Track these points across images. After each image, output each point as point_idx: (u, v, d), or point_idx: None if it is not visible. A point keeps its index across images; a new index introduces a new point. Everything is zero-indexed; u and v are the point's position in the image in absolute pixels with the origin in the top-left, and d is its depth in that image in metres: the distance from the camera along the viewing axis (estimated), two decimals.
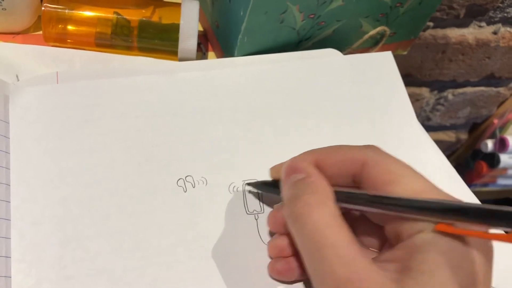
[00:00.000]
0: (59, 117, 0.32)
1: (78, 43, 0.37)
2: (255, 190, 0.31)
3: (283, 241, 0.27)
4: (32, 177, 0.30)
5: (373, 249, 0.27)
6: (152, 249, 0.29)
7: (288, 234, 0.27)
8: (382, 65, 0.39)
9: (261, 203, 0.31)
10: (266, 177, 0.30)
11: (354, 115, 0.36)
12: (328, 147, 0.27)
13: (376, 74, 0.38)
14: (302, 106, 0.36)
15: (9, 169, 0.30)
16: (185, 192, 0.31)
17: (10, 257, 0.28)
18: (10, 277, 0.27)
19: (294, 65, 0.37)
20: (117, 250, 0.28)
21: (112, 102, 0.33)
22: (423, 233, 0.22)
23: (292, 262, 0.27)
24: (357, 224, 0.27)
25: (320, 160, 0.26)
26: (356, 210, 0.27)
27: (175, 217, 0.30)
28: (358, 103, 0.37)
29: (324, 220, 0.22)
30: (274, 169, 0.29)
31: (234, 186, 0.31)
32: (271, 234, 0.29)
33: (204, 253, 0.29)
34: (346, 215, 0.24)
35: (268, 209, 0.31)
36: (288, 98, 0.36)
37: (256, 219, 0.30)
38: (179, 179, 0.31)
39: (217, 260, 0.29)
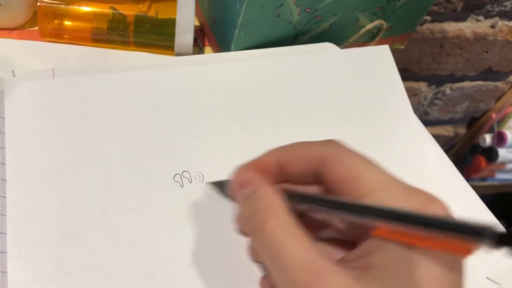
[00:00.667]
0: (55, 113, 0.32)
1: (74, 38, 0.37)
2: (218, 190, 0.30)
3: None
4: (28, 173, 0.30)
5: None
6: (149, 244, 0.29)
7: None
8: (379, 59, 0.39)
9: None
10: None
11: (351, 110, 0.36)
12: (291, 144, 0.27)
13: (373, 68, 0.38)
14: (299, 101, 0.36)
15: (5, 164, 0.30)
16: (182, 187, 0.31)
17: (6, 253, 0.28)
18: (6, 272, 0.27)
19: (290, 59, 0.37)
20: (114, 245, 0.28)
21: (108, 97, 0.33)
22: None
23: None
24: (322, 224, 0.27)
25: (282, 157, 0.26)
26: (312, 211, 0.26)
27: (172, 212, 0.30)
28: (355, 97, 0.37)
29: (279, 231, 0.22)
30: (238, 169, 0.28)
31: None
32: None
33: (201, 248, 0.29)
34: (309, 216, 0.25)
35: None
36: (285, 93, 0.36)
37: None
38: (176, 174, 0.31)
39: (215, 254, 0.29)
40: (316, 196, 0.25)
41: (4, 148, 0.31)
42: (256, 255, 0.28)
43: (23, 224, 0.28)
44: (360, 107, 0.36)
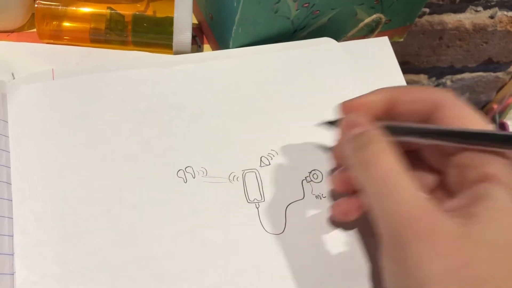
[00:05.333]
0: (56, 114, 0.32)
1: (73, 39, 0.37)
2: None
3: (347, 176, 0.29)
4: (32, 174, 0.30)
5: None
6: (153, 241, 0.29)
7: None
8: (379, 51, 0.39)
9: (262, 192, 0.31)
10: (265, 168, 0.31)
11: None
12: (398, 87, 0.28)
13: (372, 60, 0.38)
14: (299, 95, 0.36)
15: (10, 167, 0.30)
16: (185, 182, 0.31)
17: (13, 254, 0.28)
18: (13, 273, 0.28)
19: (289, 54, 0.37)
20: (118, 242, 0.29)
21: (108, 96, 0.33)
22: (489, 183, 0.22)
23: (354, 202, 0.28)
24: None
25: (393, 97, 0.27)
26: (427, 143, 0.27)
27: (176, 208, 0.30)
28: (356, 90, 0.36)
29: (391, 166, 0.23)
30: (344, 106, 0.29)
31: (234, 176, 0.32)
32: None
33: (205, 243, 0.29)
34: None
35: (268, 198, 0.31)
36: (285, 88, 0.36)
37: (257, 208, 0.31)
38: (179, 170, 0.31)
39: (219, 249, 0.29)
40: (427, 127, 0.25)
41: (8, 152, 0.31)
42: (349, 185, 0.29)
43: (29, 225, 0.28)
44: None
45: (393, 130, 0.26)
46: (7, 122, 0.32)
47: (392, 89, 0.28)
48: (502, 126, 0.91)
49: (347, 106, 0.28)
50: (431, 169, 0.28)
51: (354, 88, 0.36)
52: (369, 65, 0.38)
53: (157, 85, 0.34)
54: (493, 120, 0.94)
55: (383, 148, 0.24)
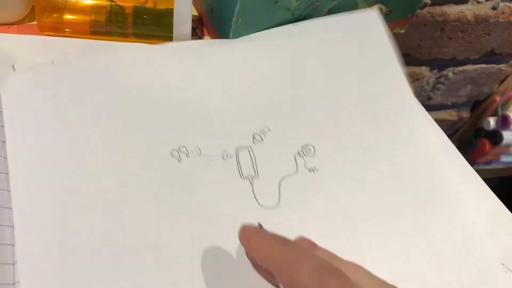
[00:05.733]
0: (51, 99, 0.32)
1: (73, 31, 0.37)
2: None
3: None
4: (30, 157, 0.30)
5: None
6: (150, 217, 0.29)
7: None
8: (368, 23, 0.39)
9: (255, 168, 0.32)
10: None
11: (343, 77, 0.37)
12: None
13: (362, 33, 0.38)
14: (291, 73, 0.36)
15: (6, 157, 0.30)
16: (180, 162, 0.31)
17: (14, 245, 0.28)
18: (15, 263, 0.28)
19: (282, 30, 0.38)
20: (116, 220, 0.29)
21: (102, 79, 0.33)
22: None
23: None
24: None
25: None
26: None
27: (172, 185, 0.31)
28: (347, 63, 0.37)
29: None
30: None
31: (227, 154, 0.32)
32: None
33: (202, 218, 0.30)
34: None
35: (262, 173, 0.32)
36: (278, 66, 0.36)
37: (251, 183, 0.31)
38: (173, 149, 0.32)
39: (216, 223, 0.30)
40: None
41: (4, 141, 0.31)
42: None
43: (28, 206, 0.29)
44: (352, 75, 0.37)
45: None
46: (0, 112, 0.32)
47: None
48: (505, 118, 0.91)
49: None
50: None
51: (345, 61, 0.37)
52: (358, 38, 0.38)
53: (151, 66, 0.34)
54: (495, 112, 0.93)
55: None
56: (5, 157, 0.30)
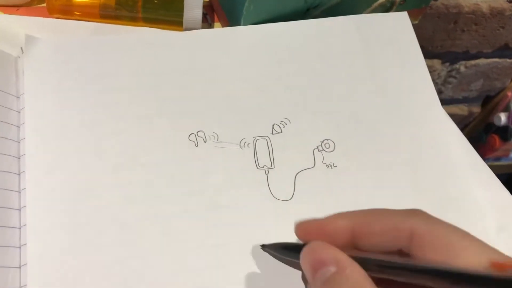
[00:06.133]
0: (72, 71, 0.32)
1: (82, 14, 0.37)
2: (274, 254, 0.26)
3: None
4: (45, 128, 0.30)
5: None
6: (163, 199, 0.29)
7: None
8: (397, 26, 0.38)
9: (272, 159, 0.32)
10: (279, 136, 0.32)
11: (364, 77, 0.36)
12: (366, 211, 0.23)
13: (390, 35, 0.38)
14: (312, 65, 0.36)
15: (19, 142, 0.30)
16: (197, 146, 0.31)
17: (20, 228, 0.28)
18: (20, 247, 0.28)
19: (306, 24, 0.37)
20: (128, 199, 0.29)
21: (123, 58, 0.33)
22: None
23: None
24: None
25: (360, 226, 0.23)
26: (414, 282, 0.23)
27: (187, 169, 0.31)
28: (370, 64, 0.36)
29: None
30: (301, 229, 0.24)
31: (245, 142, 0.32)
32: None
33: (214, 204, 0.30)
34: None
35: (278, 165, 0.31)
36: (299, 58, 0.36)
37: (266, 174, 0.31)
38: (191, 134, 0.32)
39: (227, 211, 0.30)
40: (402, 264, 0.21)
41: (19, 127, 0.31)
42: None
43: (41, 177, 0.29)
44: (379, 75, 0.36)
45: (369, 264, 0.21)
46: (19, 98, 0.32)
47: (357, 216, 0.23)
48: None
49: (305, 230, 0.24)
50: None
51: (368, 62, 0.36)
52: (386, 40, 0.37)
53: (173, 49, 0.34)
54: (506, 108, 0.92)
55: None
56: (18, 142, 0.30)
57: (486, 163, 0.36)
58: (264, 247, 0.25)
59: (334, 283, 0.20)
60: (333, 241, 0.22)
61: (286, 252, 0.24)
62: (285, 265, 0.25)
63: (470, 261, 0.20)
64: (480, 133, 0.99)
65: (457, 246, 0.20)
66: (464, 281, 0.19)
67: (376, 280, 0.21)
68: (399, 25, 0.38)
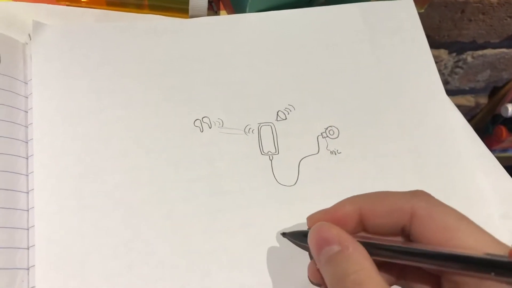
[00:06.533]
0: (79, 57, 0.33)
1: (90, 1, 0.37)
2: (293, 240, 0.29)
3: None
4: (53, 113, 0.31)
5: None
6: (168, 184, 0.30)
7: None
8: (402, 13, 0.38)
9: (276, 145, 0.32)
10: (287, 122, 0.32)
11: (369, 65, 0.36)
12: (372, 194, 0.25)
13: (395, 23, 0.37)
14: (317, 53, 0.36)
15: (27, 126, 0.31)
16: (202, 132, 0.32)
17: (28, 210, 0.29)
18: (28, 229, 0.28)
19: (310, 12, 0.37)
20: (134, 183, 0.30)
21: (130, 44, 0.34)
22: None
23: None
24: (409, 270, 0.25)
25: (365, 209, 0.24)
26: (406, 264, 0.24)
27: (192, 155, 0.31)
28: (375, 52, 0.36)
29: None
30: (313, 221, 0.26)
31: (249, 128, 0.32)
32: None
33: (218, 189, 0.30)
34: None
35: (282, 151, 0.32)
36: (304, 45, 0.36)
37: (271, 160, 0.31)
38: (196, 119, 0.32)
39: (232, 196, 0.30)
40: (403, 248, 0.23)
41: (27, 112, 0.31)
42: (317, 278, 0.26)
43: (48, 160, 0.30)
44: (384, 63, 0.36)
45: (372, 248, 0.23)
46: (27, 83, 0.32)
47: (362, 199, 0.25)
48: None
49: (316, 221, 0.25)
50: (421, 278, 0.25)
51: (370, 50, 0.36)
52: (391, 28, 0.37)
53: (178, 36, 0.35)
54: None
55: (366, 274, 0.21)
56: (26, 126, 0.31)
57: (493, 154, 0.35)
58: (284, 234, 0.28)
59: (336, 261, 0.22)
60: (343, 226, 0.24)
61: (303, 239, 0.26)
62: (301, 249, 0.28)
63: (464, 244, 0.21)
64: (487, 124, 0.99)
65: (453, 228, 0.21)
66: (456, 262, 0.20)
67: (381, 264, 0.22)
68: (404, 12, 0.38)
